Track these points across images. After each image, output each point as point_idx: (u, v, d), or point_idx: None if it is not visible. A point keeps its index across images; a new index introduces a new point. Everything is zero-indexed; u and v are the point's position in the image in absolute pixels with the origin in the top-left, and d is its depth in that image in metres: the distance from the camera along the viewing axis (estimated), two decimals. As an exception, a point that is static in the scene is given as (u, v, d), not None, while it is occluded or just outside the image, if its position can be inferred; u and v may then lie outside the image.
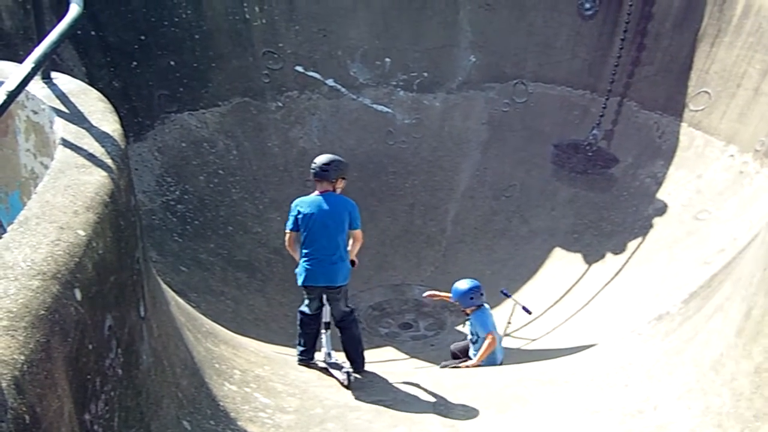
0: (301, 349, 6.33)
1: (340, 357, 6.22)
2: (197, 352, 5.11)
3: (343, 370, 5.95)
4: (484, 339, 6.84)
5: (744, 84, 9.29)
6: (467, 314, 7.12)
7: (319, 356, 6.32)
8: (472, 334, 7.09)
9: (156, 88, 10.29)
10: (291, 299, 8.83)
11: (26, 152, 4.46)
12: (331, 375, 6.00)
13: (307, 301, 6.17)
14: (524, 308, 7.88)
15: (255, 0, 11.28)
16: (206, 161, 10.34)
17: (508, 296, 8.06)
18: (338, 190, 6.03)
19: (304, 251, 5.91)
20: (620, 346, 6.30)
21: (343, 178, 6.08)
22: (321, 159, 6.02)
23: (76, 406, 2.69)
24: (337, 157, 6.09)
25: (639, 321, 6.87)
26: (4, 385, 2.16)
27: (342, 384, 5.85)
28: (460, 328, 9.00)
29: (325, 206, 5.87)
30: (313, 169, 6.00)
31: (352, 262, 6.18)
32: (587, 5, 11.27)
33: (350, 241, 6.06)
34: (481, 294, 7.04)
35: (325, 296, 6.05)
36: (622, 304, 8.15)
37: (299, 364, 6.31)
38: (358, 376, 6.05)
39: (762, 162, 8.60)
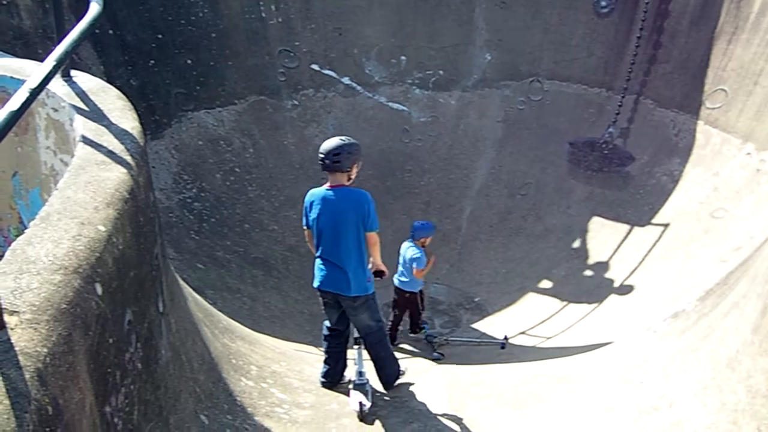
0: (323, 369, 5.79)
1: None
2: (214, 348, 5.16)
3: (356, 400, 5.37)
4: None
5: (761, 82, 9.24)
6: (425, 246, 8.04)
7: (349, 373, 5.83)
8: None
9: (173, 87, 10.36)
10: (306, 296, 8.86)
11: (46, 149, 4.52)
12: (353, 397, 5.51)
13: (323, 309, 5.63)
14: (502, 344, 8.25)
15: (271, -1, 11.36)
16: (223, 159, 10.39)
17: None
18: (352, 179, 5.30)
19: (317, 251, 5.33)
20: (636, 344, 6.29)
21: (357, 163, 5.28)
22: (328, 145, 5.20)
23: (97, 399, 2.73)
24: (345, 141, 5.25)
25: (655, 318, 6.85)
26: (27, 376, 2.20)
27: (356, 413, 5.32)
28: (473, 325, 9.01)
29: (334, 205, 5.17)
30: (321, 159, 5.20)
31: (380, 273, 5.64)
32: (603, 3, 11.24)
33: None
34: None
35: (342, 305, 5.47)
36: (638, 302, 8.13)
37: (322, 387, 5.78)
38: (366, 405, 5.34)
39: (779, 160, 8.56)
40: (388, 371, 5.77)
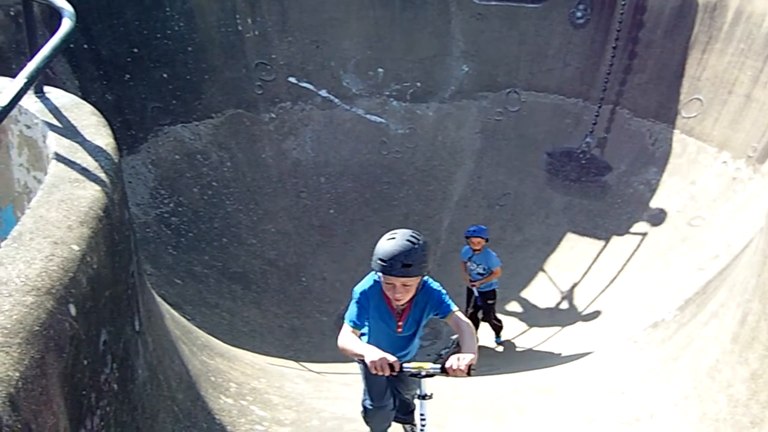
0: None
1: None
2: (193, 366, 5.09)
3: None
4: (492, 272, 8.21)
5: (735, 90, 9.33)
6: (478, 251, 8.19)
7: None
8: (483, 269, 8.25)
9: (149, 101, 10.28)
10: (286, 311, 8.81)
11: (19, 167, 4.45)
12: None
13: None
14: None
15: (247, 12, 11.31)
16: (200, 173, 10.32)
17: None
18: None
19: None
20: (617, 354, 6.29)
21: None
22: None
23: (72, 422, 2.67)
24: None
25: (635, 328, 6.87)
26: (-1, 402, 2.15)
27: None
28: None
29: None
30: None
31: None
32: (579, 14, 11.31)
33: None
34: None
35: None
36: (618, 311, 8.15)
37: None
38: None
39: (754, 168, 8.62)
40: None
